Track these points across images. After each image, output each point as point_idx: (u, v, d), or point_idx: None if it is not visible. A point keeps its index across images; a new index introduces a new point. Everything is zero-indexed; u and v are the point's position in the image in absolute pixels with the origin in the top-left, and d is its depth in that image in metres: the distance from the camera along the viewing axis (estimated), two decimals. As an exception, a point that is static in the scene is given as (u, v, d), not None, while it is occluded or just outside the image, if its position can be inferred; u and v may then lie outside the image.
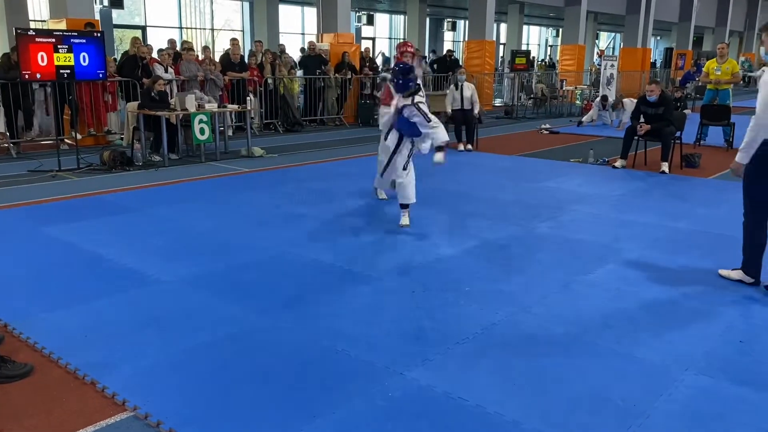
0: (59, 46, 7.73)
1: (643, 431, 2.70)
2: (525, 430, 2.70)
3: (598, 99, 14.67)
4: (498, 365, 3.24)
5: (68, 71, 7.86)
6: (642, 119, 8.80)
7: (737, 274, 4.52)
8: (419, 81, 5.77)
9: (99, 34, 8.31)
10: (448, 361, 3.27)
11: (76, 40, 7.90)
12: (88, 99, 10.09)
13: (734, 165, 4.39)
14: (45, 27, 11.49)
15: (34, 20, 15.55)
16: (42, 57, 7.62)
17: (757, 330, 3.73)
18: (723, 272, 4.61)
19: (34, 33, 7.74)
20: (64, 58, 7.78)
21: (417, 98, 5.57)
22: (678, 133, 8.93)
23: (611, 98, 14.75)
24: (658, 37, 39.33)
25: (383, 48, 28.34)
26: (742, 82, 26.54)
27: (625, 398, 2.94)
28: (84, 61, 7.96)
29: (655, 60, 32.02)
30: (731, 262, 4.81)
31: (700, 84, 14.53)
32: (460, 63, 16.98)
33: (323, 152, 10.20)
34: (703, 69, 11.58)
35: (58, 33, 7.91)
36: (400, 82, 5.51)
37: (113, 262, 4.73)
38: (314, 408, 2.83)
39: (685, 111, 12.71)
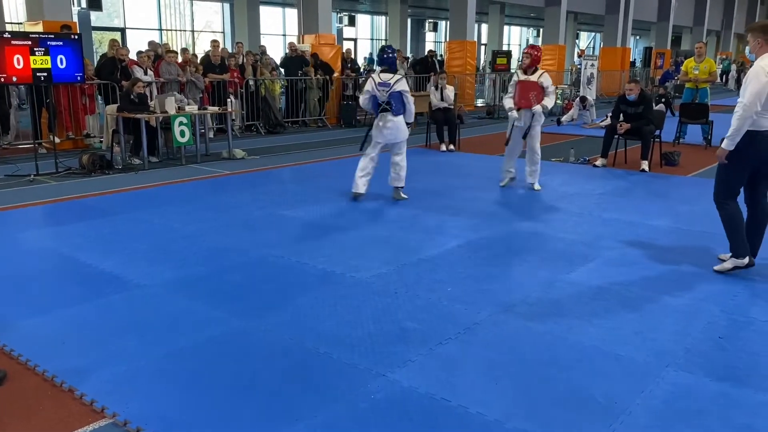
0: (36, 49, 7.62)
1: (624, 428, 2.72)
2: (508, 430, 2.70)
3: (578, 99, 14.80)
4: (481, 365, 3.24)
5: (45, 74, 7.75)
6: (621, 118, 8.87)
7: (731, 263, 4.60)
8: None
9: (76, 37, 8.21)
10: (431, 362, 3.27)
11: (53, 43, 7.80)
12: (66, 102, 9.97)
13: (720, 152, 4.50)
14: (21, 29, 11.34)
15: (11, 23, 15.34)
16: (18, 60, 7.51)
17: (737, 326, 3.77)
18: (717, 268, 4.67)
19: (9, 36, 7.63)
20: (40, 60, 7.67)
21: None
22: (657, 132, 9.02)
23: (591, 98, 14.90)
24: (638, 37, 39.76)
25: (365, 48, 28.37)
26: (719, 81, 26.92)
27: (607, 395, 2.96)
28: (61, 63, 7.85)
29: (635, 59, 32.34)
30: (711, 259, 4.87)
31: (679, 83, 14.69)
32: (443, 66, 16.98)
33: (305, 153, 10.17)
34: (682, 68, 11.70)
35: (34, 35, 7.80)
36: None
37: (93, 266, 4.67)
38: (297, 411, 2.81)
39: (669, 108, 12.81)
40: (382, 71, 6.71)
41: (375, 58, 18.95)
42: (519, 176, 7.68)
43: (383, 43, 27.66)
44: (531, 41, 36.81)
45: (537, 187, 7.44)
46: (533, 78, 7.26)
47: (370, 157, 6.82)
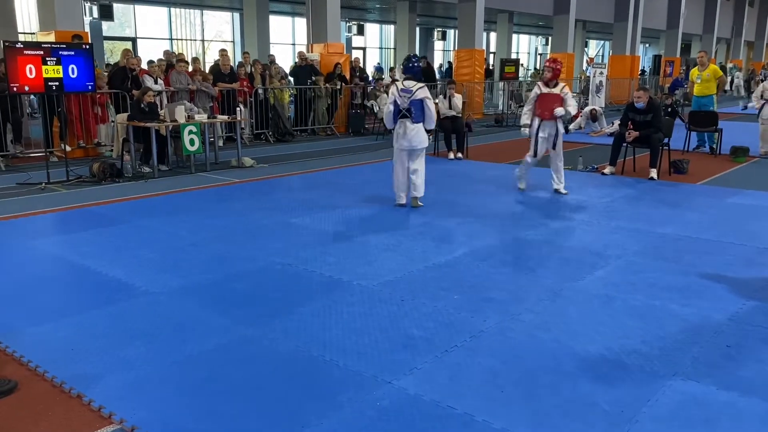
0: (48, 59, 7.71)
1: (630, 437, 2.71)
2: (513, 438, 2.70)
3: (587, 109, 14.76)
4: (487, 373, 3.24)
5: (57, 83, 7.84)
6: (630, 126, 8.86)
7: None
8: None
9: (87, 46, 8.30)
10: (437, 370, 3.27)
11: (65, 53, 7.89)
12: (77, 111, 10.07)
13: None
14: (34, 39, 11.47)
15: (23, 33, 15.53)
16: (30, 69, 7.60)
17: (744, 335, 3.75)
18: None
19: (22, 45, 7.73)
20: (52, 70, 7.76)
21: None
22: (666, 140, 9.00)
23: (599, 108, 14.91)
24: (647, 45, 39.67)
25: (374, 57, 28.47)
26: (728, 88, 26.80)
27: (614, 404, 2.95)
28: (73, 73, 7.95)
29: (644, 67, 32.27)
30: (719, 268, 4.85)
31: (688, 91, 14.67)
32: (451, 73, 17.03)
33: (314, 162, 10.21)
34: (689, 78, 11.71)
35: (46, 45, 7.91)
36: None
37: (102, 274, 4.71)
38: (303, 418, 2.83)
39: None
40: (405, 79, 6.81)
41: (398, 65, 18.98)
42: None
43: (392, 51, 27.75)
44: (540, 49, 36.84)
45: (564, 191, 7.68)
46: (555, 90, 7.48)
47: (401, 168, 6.91)
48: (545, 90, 7.54)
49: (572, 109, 7.63)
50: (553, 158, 7.73)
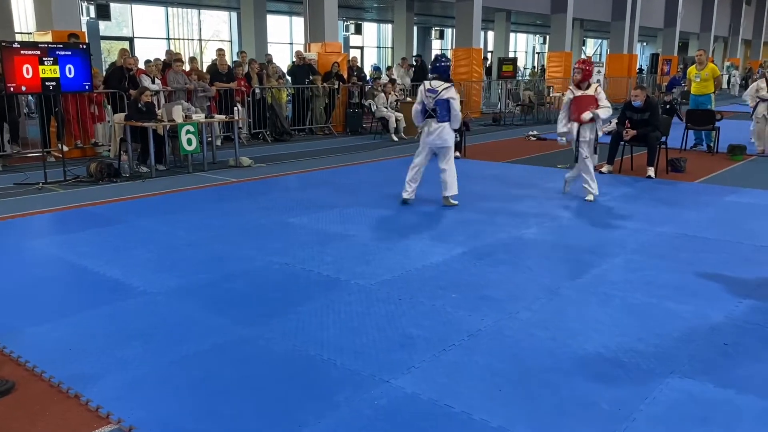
0: (44, 59, 7.71)
1: (628, 435, 2.71)
2: (511, 436, 2.70)
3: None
4: (484, 372, 3.25)
5: (54, 83, 7.84)
6: (628, 124, 8.86)
7: None
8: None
9: (84, 46, 8.29)
10: (435, 369, 3.28)
11: (62, 52, 7.88)
12: (75, 111, 10.05)
13: None
14: (31, 39, 11.45)
15: (20, 32, 15.49)
16: (27, 69, 7.59)
17: (741, 332, 3.76)
18: None
19: (18, 45, 7.72)
20: (49, 70, 7.75)
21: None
22: (663, 138, 9.01)
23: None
24: (644, 43, 39.71)
25: (372, 57, 28.46)
26: (725, 87, 26.84)
27: (611, 402, 2.96)
28: (70, 72, 7.94)
29: (642, 66, 32.30)
30: (716, 266, 4.86)
31: (686, 89, 14.69)
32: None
33: (312, 161, 10.21)
34: (687, 76, 11.73)
35: (43, 45, 7.90)
36: None
37: (99, 274, 4.71)
38: (301, 417, 2.83)
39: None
40: (433, 78, 6.84)
41: (395, 64, 18.94)
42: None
43: (389, 51, 27.74)
44: (537, 48, 36.84)
45: (591, 197, 7.26)
46: (590, 92, 7.19)
47: (418, 164, 6.95)
48: (578, 93, 7.20)
49: (604, 112, 7.13)
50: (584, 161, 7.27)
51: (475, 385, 3.12)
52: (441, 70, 6.91)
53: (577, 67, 7.35)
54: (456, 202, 6.95)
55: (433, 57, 7.22)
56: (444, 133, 6.79)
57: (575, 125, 7.22)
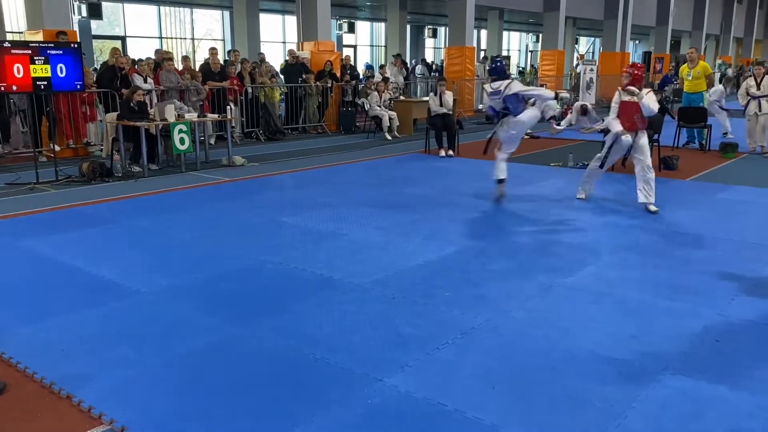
0: (36, 58, 7.66)
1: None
2: (504, 434, 2.71)
3: (577, 105, 14.78)
4: (478, 370, 3.25)
5: (45, 83, 7.79)
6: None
7: None
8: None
9: (76, 45, 8.24)
10: (428, 367, 3.28)
11: (53, 52, 7.83)
12: (66, 110, 10.00)
13: None
14: (22, 39, 11.38)
15: (11, 32, 15.40)
16: (18, 69, 7.54)
17: (733, 329, 3.78)
18: None
19: (9, 45, 7.67)
20: (40, 69, 7.71)
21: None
22: (656, 136, 9.02)
23: (590, 104, 14.95)
24: (637, 41, 39.79)
25: (365, 55, 28.44)
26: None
27: (604, 400, 2.96)
28: (61, 72, 7.89)
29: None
30: (709, 263, 4.87)
31: (678, 87, 14.74)
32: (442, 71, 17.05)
33: (305, 160, 10.19)
34: (679, 74, 11.77)
35: (34, 44, 7.84)
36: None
37: (91, 274, 4.69)
38: (294, 416, 2.82)
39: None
40: (492, 80, 7.00)
41: (389, 63, 18.94)
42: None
43: (383, 49, 27.71)
44: (530, 47, 36.89)
45: (654, 208, 6.59)
46: (643, 95, 6.50)
47: (505, 158, 7.15)
48: (625, 98, 6.64)
49: (651, 106, 6.43)
50: (643, 167, 6.71)
51: (468, 383, 3.12)
52: (497, 70, 7.09)
53: (625, 72, 6.79)
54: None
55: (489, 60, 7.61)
56: (521, 122, 6.94)
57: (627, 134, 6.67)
